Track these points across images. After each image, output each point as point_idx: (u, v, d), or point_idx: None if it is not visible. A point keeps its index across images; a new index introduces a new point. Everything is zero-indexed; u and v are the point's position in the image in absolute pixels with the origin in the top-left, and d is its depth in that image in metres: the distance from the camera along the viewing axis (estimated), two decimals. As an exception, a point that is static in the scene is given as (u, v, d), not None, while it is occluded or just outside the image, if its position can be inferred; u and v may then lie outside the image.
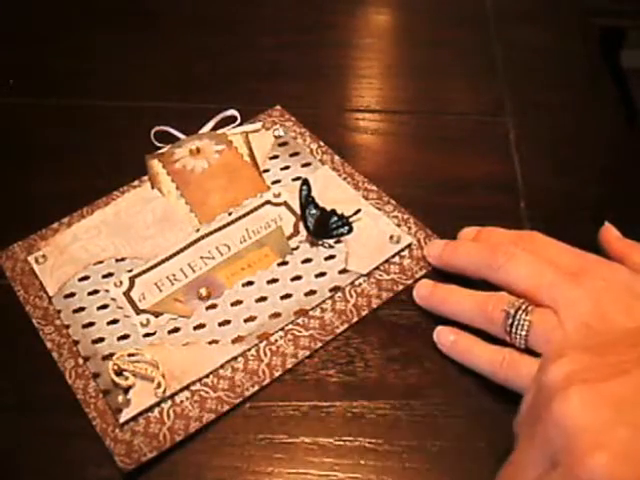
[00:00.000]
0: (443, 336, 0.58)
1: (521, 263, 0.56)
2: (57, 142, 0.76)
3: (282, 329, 0.60)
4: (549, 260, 0.56)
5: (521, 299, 0.55)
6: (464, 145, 0.75)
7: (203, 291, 0.62)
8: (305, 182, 0.66)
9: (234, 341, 0.59)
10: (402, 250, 0.64)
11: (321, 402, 0.56)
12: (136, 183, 0.71)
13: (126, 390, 0.56)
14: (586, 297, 0.52)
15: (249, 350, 0.58)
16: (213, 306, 0.61)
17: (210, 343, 0.59)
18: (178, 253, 0.65)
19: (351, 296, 0.61)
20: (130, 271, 0.64)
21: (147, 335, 0.60)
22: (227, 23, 0.90)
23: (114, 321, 0.61)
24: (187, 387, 0.56)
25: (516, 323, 0.53)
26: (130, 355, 0.58)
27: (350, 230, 0.65)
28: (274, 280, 0.63)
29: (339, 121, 0.78)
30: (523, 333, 0.53)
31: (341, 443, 0.54)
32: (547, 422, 0.41)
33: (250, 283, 0.63)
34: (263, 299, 0.61)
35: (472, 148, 0.75)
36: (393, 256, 0.64)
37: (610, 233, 0.61)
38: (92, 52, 0.87)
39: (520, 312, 0.54)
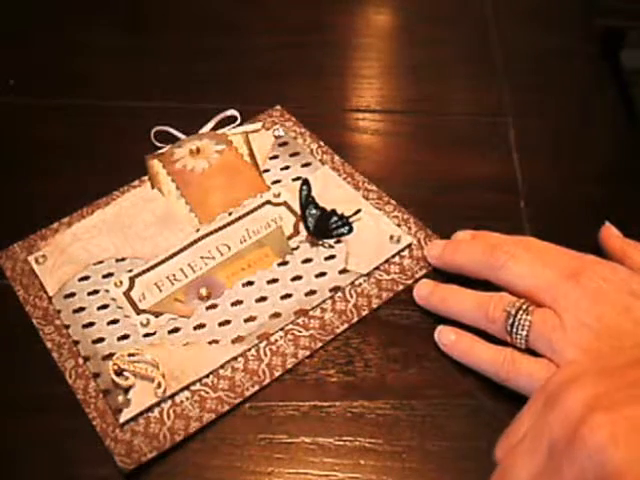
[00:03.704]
0: (444, 336, 0.58)
1: (522, 262, 0.56)
2: (57, 142, 0.76)
3: (282, 329, 0.60)
4: (548, 261, 0.56)
5: (522, 299, 0.55)
6: (464, 145, 0.75)
7: (203, 291, 0.62)
8: (305, 182, 0.66)
9: (234, 341, 0.59)
10: (402, 250, 0.64)
11: (321, 402, 0.56)
12: (136, 183, 0.71)
13: (126, 390, 0.56)
14: (586, 297, 0.52)
15: (249, 350, 0.58)
16: (213, 306, 0.61)
17: (210, 343, 0.59)
18: (178, 253, 0.65)
19: (351, 296, 0.62)
20: (130, 271, 0.64)
21: (147, 335, 0.60)
22: (227, 23, 0.90)
23: (114, 321, 0.61)
24: (187, 387, 0.57)
25: (517, 323, 0.54)
26: (130, 355, 0.58)
27: (350, 230, 0.65)
28: (274, 280, 0.63)
29: (339, 121, 0.78)
30: (524, 333, 0.53)
31: (341, 443, 0.54)
32: (577, 452, 0.40)
33: (250, 283, 0.63)
34: (263, 299, 0.61)
35: (472, 148, 0.75)
36: (393, 256, 0.64)
37: (610, 232, 0.61)
38: (93, 52, 0.87)
39: (521, 312, 0.54)
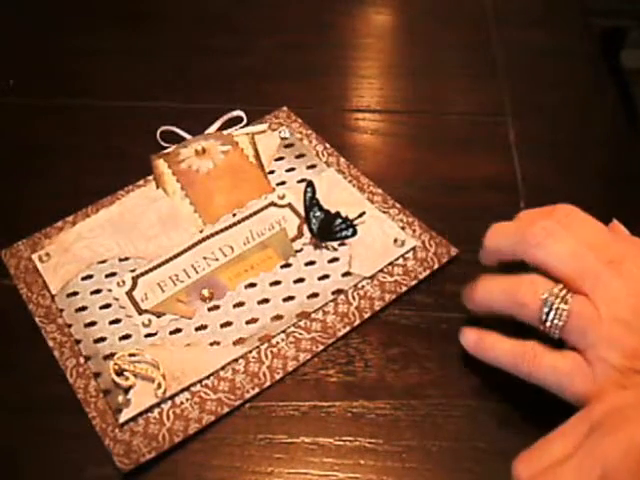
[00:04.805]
0: (468, 337, 0.57)
1: (561, 241, 0.52)
2: (59, 142, 0.76)
3: (284, 331, 0.60)
4: (588, 242, 0.52)
5: (559, 285, 0.52)
6: (464, 145, 0.75)
7: (205, 292, 0.62)
8: (310, 184, 0.67)
9: (235, 343, 0.59)
10: (406, 253, 0.64)
11: (321, 402, 0.56)
12: (141, 183, 0.71)
13: (126, 390, 0.56)
14: (626, 290, 0.50)
15: (250, 352, 0.59)
16: (215, 307, 0.61)
17: (211, 344, 0.59)
18: (181, 254, 0.65)
19: (354, 299, 0.62)
20: (133, 271, 0.64)
21: (149, 335, 0.60)
22: (227, 23, 0.90)
23: (116, 321, 0.61)
24: (187, 388, 0.57)
25: (553, 312, 0.51)
26: (131, 355, 0.58)
27: (354, 233, 0.65)
28: (277, 282, 0.63)
29: (338, 121, 0.78)
30: (560, 323, 0.51)
31: (341, 443, 0.54)
32: None
33: (253, 285, 0.63)
34: (265, 301, 0.61)
35: (472, 148, 0.75)
36: (397, 259, 0.64)
37: (617, 230, 0.58)
38: (94, 52, 0.87)
39: (559, 300, 0.51)
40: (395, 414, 0.56)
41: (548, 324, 0.51)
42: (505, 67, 0.83)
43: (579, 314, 0.50)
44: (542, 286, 0.52)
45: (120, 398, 0.56)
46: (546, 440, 0.47)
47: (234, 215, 0.68)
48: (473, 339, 0.57)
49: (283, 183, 0.70)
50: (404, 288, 0.62)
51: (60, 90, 0.82)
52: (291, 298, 0.62)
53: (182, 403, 0.56)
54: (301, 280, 0.63)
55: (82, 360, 0.59)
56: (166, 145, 0.74)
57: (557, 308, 0.50)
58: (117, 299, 0.62)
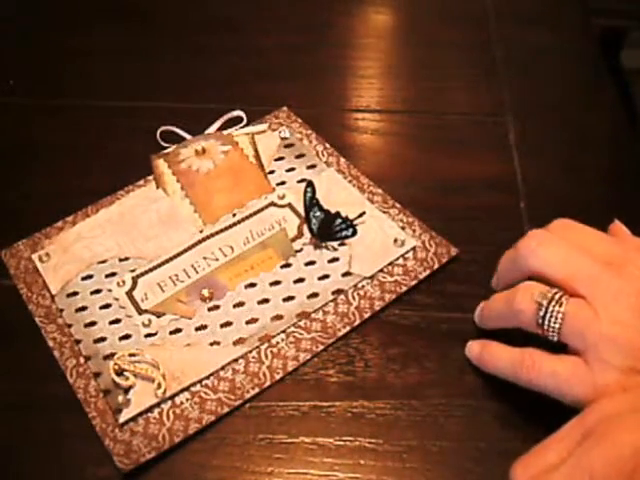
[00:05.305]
0: (472, 349, 0.57)
1: (554, 248, 0.53)
2: (59, 142, 0.76)
3: (284, 331, 0.60)
4: (585, 248, 0.52)
5: (553, 289, 0.52)
6: (464, 145, 0.75)
7: (205, 292, 0.62)
8: (309, 184, 0.67)
9: (235, 343, 0.59)
10: (406, 253, 0.64)
11: (321, 402, 0.56)
12: (141, 183, 0.71)
13: (126, 390, 0.56)
14: (627, 290, 0.50)
15: (250, 352, 0.59)
16: (215, 307, 0.61)
17: (211, 344, 0.59)
18: (181, 254, 0.65)
19: (353, 299, 0.62)
20: (133, 271, 0.64)
21: (149, 335, 0.60)
22: (227, 24, 0.90)
23: (116, 321, 0.61)
24: (187, 388, 0.57)
25: (548, 315, 0.51)
26: (131, 355, 0.58)
27: (354, 233, 0.65)
28: (277, 282, 0.63)
29: (338, 121, 0.78)
30: (556, 326, 0.51)
31: (341, 443, 0.54)
32: None
33: (253, 285, 0.63)
34: (265, 301, 0.61)
35: (472, 148, 0.75)
36: (397, 259, 0.64)
37: (619, 230, 0.57)
38: (94, 52, 0.87)
39: (553, 303, 0.51)
40: (395, 414, 0.56)
41: (545, 327, 0.51)
42: (505, 67, 0.83)
43: (574, 315, 0.50)
44: (537, 291, 0.52)
45: (120, 398, 0.56)
46: (543, 445, 0.47)
47: (234, 215, 0.68)
48: (477, 351, 0.57)
49: (283, 183, 0.70)
50: (404, 288, 0.62)
51: (60, 90, 0.82)
52: (291, 298, 0.62)
53: (182, 403, 0.56)
54: (301, 280, 0.63)
55: (82, 360, 0.59)
56: (166, 145, 0.74)
57: (552, 311, 0.51)
58: (117, 299, 0.62)
